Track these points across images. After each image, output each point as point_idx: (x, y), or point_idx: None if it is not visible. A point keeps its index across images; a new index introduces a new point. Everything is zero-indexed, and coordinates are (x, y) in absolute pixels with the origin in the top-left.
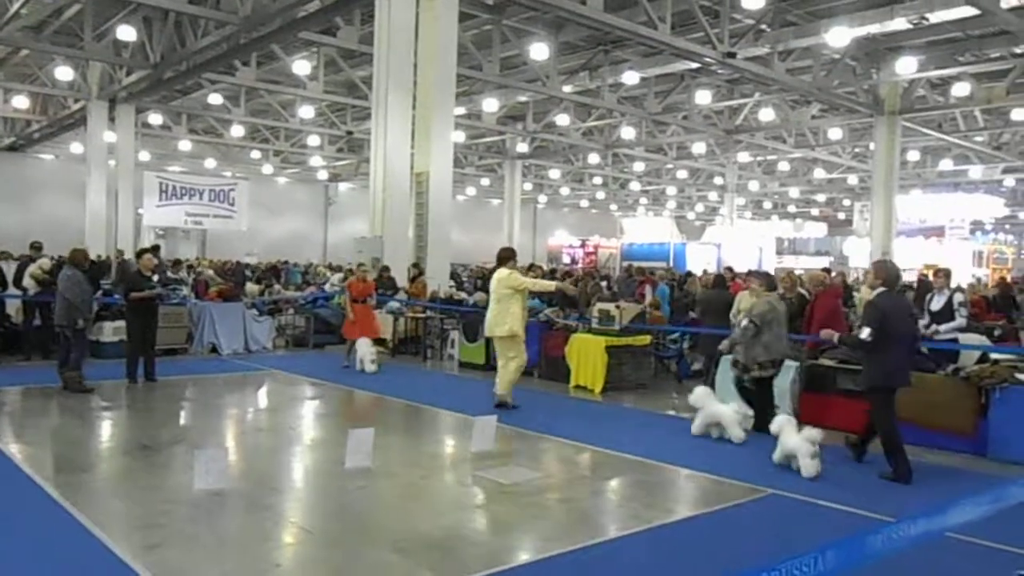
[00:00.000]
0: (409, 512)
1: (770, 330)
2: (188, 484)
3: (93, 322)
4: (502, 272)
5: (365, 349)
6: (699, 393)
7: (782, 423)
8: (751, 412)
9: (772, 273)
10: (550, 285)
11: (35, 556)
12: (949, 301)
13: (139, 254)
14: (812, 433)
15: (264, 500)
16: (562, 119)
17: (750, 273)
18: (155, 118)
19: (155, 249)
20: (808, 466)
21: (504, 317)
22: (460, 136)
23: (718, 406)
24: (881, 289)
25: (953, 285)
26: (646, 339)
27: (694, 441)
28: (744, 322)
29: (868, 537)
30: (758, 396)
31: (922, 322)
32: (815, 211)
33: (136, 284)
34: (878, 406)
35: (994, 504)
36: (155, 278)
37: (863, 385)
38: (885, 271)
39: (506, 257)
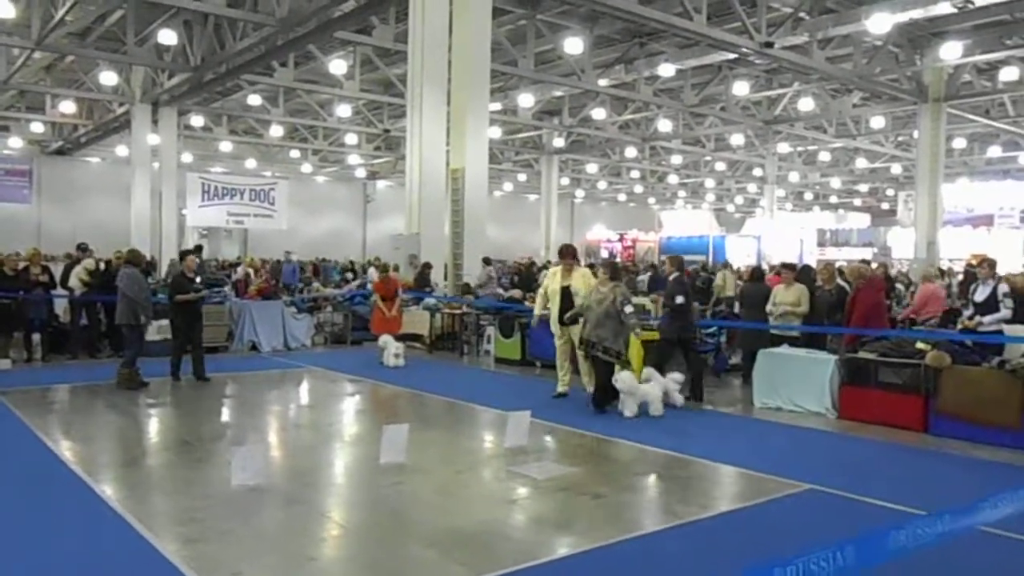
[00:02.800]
0: (443, 507)
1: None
2: (227, 479)
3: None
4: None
5: (390, 345)
6: (624, 378)
7: (649, 373)
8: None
9: (808, 264)
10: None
11: (79, 549)
12: (993, 292)
13: (182, 255)
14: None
15: (300, 495)
16: (598, 113)
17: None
18: (197, 120)
19: (198, 249)
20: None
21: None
22: (496, 132)
23: (643, 387)
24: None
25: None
26: None
27: (730, 436)
28: (628, 308)
29: (890, 533)
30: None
31: (966, 313)
32: (858, 201)
33: (181, 286)
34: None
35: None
36: (197, 279)
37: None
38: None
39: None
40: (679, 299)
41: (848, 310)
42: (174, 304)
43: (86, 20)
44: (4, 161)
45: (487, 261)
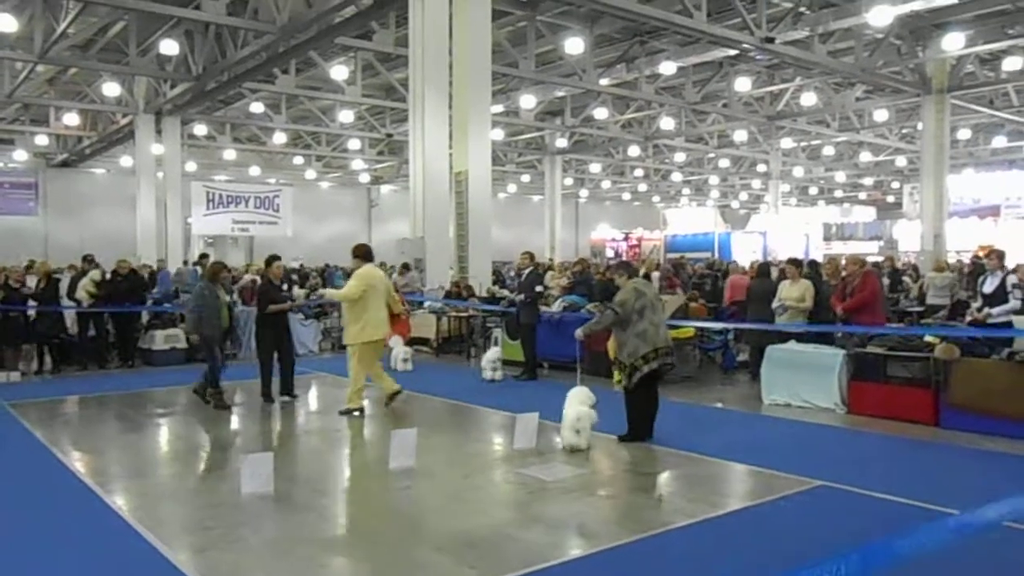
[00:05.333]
0: (452, 511)
1: (642, 318)
2: (237, 488)
3: (144, 331)
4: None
5: (397, 348)
6: (574, 395)
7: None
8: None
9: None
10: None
11: (90, 560)
12: (1002, 283)
13: (268, 261)
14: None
15: (310, 502)
16: (600, 112)
17: (617, 265)
18: (200, 129)
19: (203, 257)
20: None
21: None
22: (498, 134)
23: (586, 408)
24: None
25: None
26: (690, 331)
27: (740, 433)
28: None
29: (896, 540)
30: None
31: (975, 305)
32: (863, 195)
33: (270, 296)
34: None
35: None
36: (285, 286)
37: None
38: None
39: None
40: (538, 288)
41: (841, 290)
42: (262, 316)
43: (88, 32)
44: (10, 174)
45: (406, 267)
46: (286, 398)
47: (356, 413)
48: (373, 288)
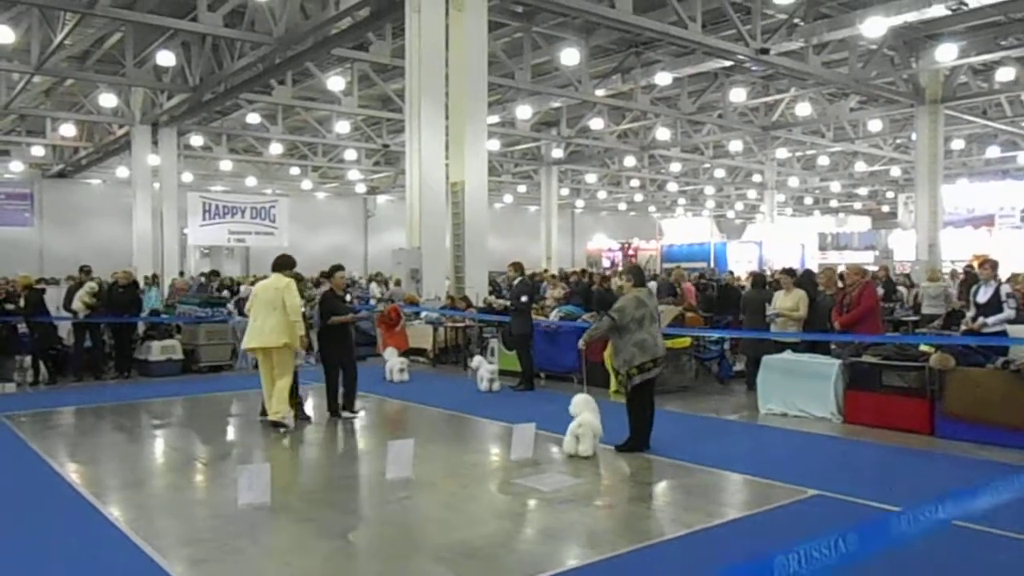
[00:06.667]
0: (450, 522)
1: (641, 328)
2: (234, 499)
3: (141, 341)
4: (281, 280)
5: (393, 360)
6: (577, 401)
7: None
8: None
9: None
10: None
11: (86, 571)
12: (996, 292)
13: (330, 272)
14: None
15: (307, 513)
16: (596, 123)
17: (628, 269)
18: (196, 139)
19: (214, 274)
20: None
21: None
22: (495, 144)
23: (589, 416)
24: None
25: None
26: (686, 341)
27: (736, 443)
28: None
29: (889, 521)
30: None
31: (969, 314)
32: (858, 205)
33: (333, 307)
34: None
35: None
36: (347, 297)
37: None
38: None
39: (284, 264)
40: (523, 299)
41: (840, 301)
42: (326, 329)
43: (85, 43)
44: (5, 185)
45: (321, 281)
46: (347, 414)
47: (282, 429)
48: (255, 298)
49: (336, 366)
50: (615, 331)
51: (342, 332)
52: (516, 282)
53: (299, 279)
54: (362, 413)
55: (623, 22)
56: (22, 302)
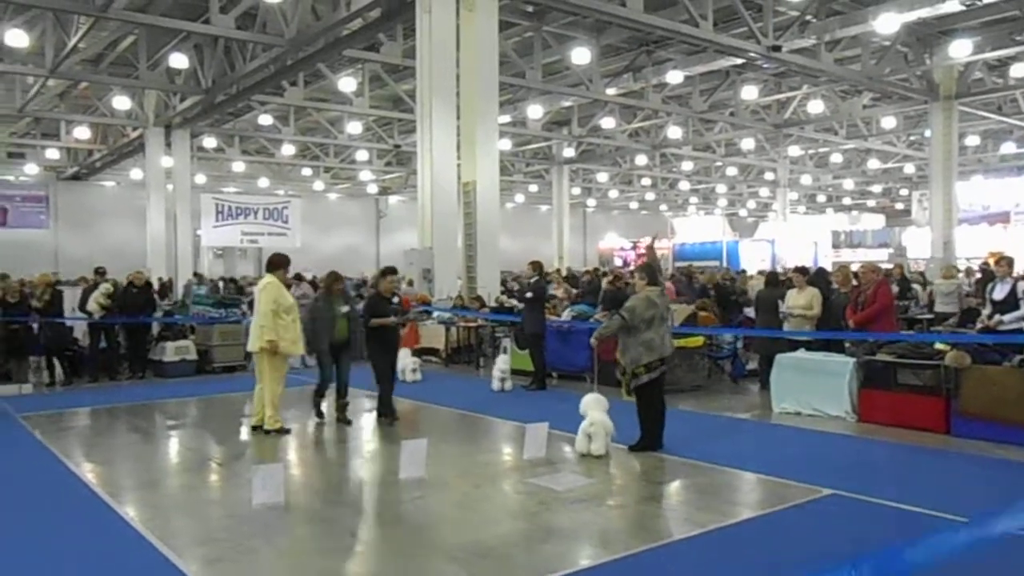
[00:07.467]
0: (463, 521)
1: (649, 328)
2: (248, 499)
3: (155, 342)
4: (265, 280)
5: (405, 360)
6: (588, 400)
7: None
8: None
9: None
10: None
11: (102, 571)
12: (1013, 290)
13: (382, 273)
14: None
15: (321, 513)
16: (607, 122)
17: (641, 267)
18: (209, 141)
19: (232, 280)
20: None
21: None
22: (506, 144)
23: (600, 415)
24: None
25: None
26: (699, 340)
27: (749, 442)
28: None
29: (906, 548)
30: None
31: (985, 312)
32: (871, 202)
33: (378, 309)
34: None
35: None
36: (395, 300)
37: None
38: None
39: (275, 264)
40: (528, 295)
41: (855, 299)
42: (370, 331)
43: (99, 46)
44: (21, 187)
45: (299, 277)
46: (382, 418)
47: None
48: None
49: (381, 368)
50: (624, 330)
51: (386, 336)
52: (532, 280)
53: (337, 279)
54: (390, 419)
55: (634, 20)
56: (37, 302)
